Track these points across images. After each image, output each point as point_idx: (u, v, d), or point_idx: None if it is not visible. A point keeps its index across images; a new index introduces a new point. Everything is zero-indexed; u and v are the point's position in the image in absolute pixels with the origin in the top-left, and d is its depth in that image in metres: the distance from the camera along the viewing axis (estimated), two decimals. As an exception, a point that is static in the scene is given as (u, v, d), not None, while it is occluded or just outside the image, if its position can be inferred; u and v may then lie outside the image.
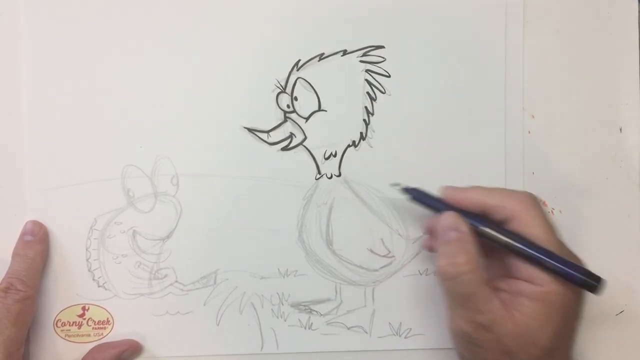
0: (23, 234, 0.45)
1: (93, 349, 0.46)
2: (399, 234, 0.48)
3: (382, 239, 0.48)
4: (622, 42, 0.49)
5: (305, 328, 0.47)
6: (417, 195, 0.44)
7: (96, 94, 0.47)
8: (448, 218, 0.41)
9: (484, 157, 0.48)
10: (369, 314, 0.48)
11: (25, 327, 0.44)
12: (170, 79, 0.47)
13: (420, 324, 0.47)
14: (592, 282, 0.38)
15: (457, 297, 0.39)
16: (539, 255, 0.38)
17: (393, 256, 0.48)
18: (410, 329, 0.47)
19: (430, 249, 0.46)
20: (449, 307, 0.40)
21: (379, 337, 0.47)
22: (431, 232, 0.44)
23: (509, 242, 0.39)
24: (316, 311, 0.47)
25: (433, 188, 0.47)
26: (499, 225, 0.41)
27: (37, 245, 0.45)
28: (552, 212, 0.48)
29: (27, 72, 0.47)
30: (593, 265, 0.40)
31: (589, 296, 0.40)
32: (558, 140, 0.49)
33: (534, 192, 0.42)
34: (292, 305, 0.47)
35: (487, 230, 0.40)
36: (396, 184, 0.45)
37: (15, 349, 0.42)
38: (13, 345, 0.42)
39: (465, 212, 0.41)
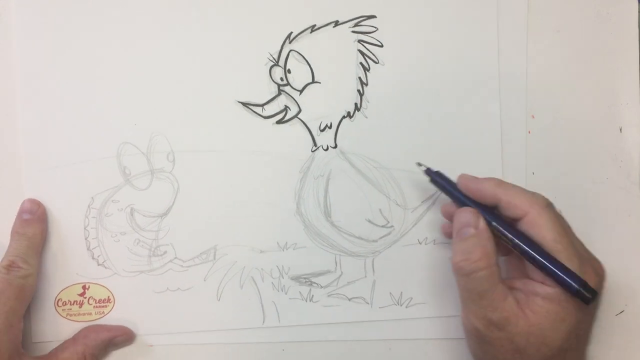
0: (21, 212, 0.45)
1: (88, 327, 0.46)
2: (397, 204, 0.48)
3: (380, 210, 0.48)
4: (622, 42, 0.48)
5: (306, 301, 0.47)
6: (438, 180, 0.44)
7: (89, 72, 0.47)
8: (465, 214, 0.40)
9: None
10: (370, 284, 0.47)
11: (26, 302, 0.44)
12: (162, 55, 0.47)
13: (421, 293, 0.47)
14: (586, 295, 0.37)
15: (470, 293, 0.39)
16: (541, 259, 0.38)
17: (392, 226, 0.48)
18: (411, 298, 0.47)
19: (449, 235, 0.45)
20: (463, 303, 0.40)
21: (380, 308, 0.47)
22: (449, 217, 0.44)
23: (517, 243, 0.39)
24: (317, 283, 0.47)
25: (429, 158, 0.46)
26: (511, 223, 0.40)
27: (35, 223, 0.45)
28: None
29: (20, 50, 0.46)
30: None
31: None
32: (558, 140, 0.48)
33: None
34: (293, 279, 0.47)
35: (498, 227, 0.40)
36: (420, 164, 0.45)
37: (16, 321, 0.42)
38: (14, 317, 0.42)
39: (480, 204, 0.41)
